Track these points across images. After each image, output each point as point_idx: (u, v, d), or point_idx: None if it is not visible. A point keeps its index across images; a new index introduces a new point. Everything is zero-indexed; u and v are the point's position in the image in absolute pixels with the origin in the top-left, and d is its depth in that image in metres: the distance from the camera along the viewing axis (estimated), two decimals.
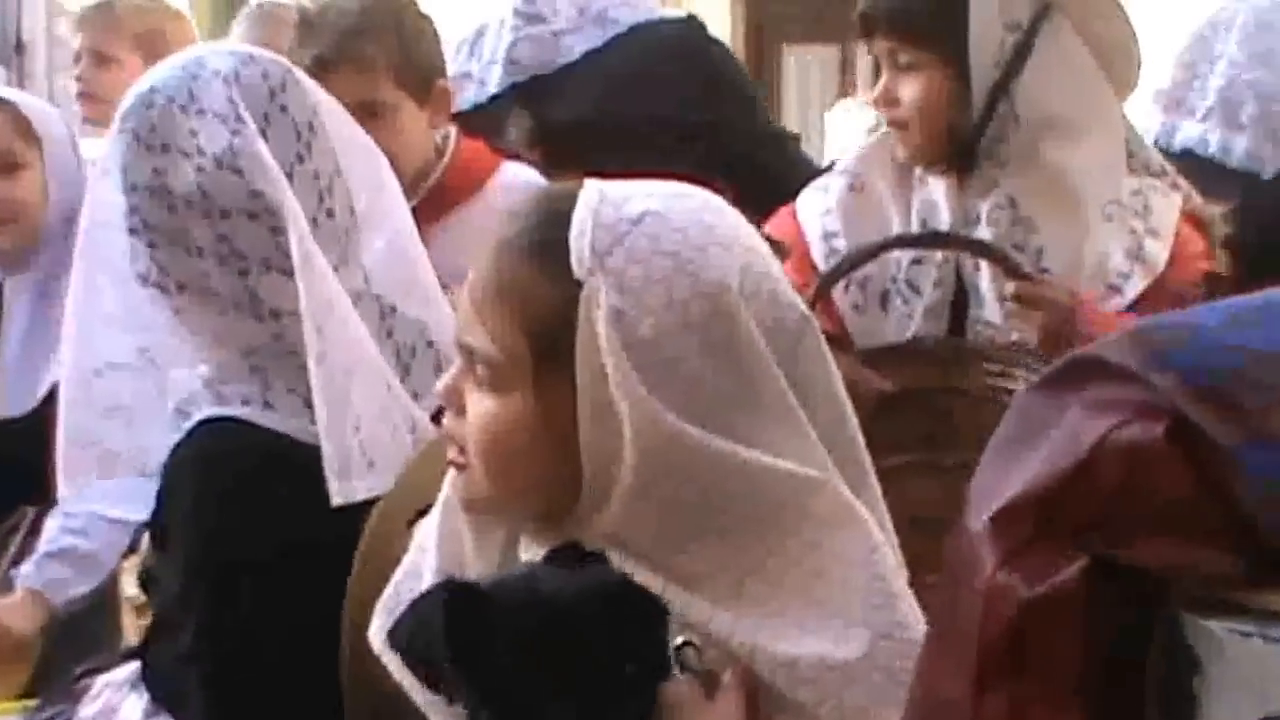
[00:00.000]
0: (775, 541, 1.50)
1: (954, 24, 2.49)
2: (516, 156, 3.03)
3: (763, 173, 3.08)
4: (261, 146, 2.09)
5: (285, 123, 2.13)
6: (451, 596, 1.50)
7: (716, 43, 3.38)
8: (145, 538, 2.53)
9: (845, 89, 9.41)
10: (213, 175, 2.07)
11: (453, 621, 1.47)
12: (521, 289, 1.54)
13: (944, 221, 2.56)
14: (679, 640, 1.47)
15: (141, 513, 2.28)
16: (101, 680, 2.26)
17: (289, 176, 2.10)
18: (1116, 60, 2.57)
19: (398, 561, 1.84)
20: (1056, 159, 2.51)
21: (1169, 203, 2.53)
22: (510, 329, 1.54)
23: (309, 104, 2.16)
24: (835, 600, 1.50)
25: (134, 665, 2.26)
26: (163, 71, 2.14)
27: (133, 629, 2.53)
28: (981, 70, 2.50)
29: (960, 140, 2.53)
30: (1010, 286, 2.42)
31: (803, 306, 1.58)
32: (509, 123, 3.10)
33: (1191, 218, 2.54)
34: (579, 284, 1.51)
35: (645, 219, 1.53)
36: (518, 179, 2.95)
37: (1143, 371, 1.19)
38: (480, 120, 3.09)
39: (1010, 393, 2.45)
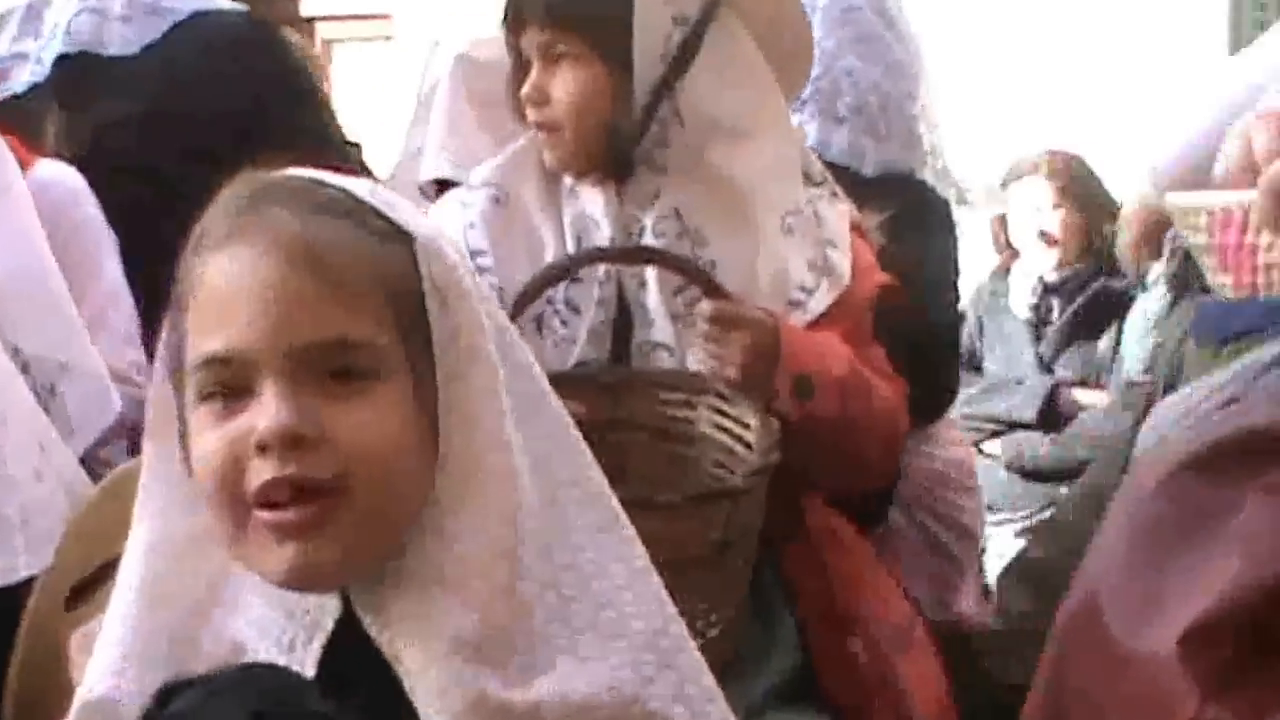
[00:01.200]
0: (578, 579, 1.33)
1: (617, 13, 2.24)
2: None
3: None
4: None
5: None
6: None
7: (280, 37, 3.04)
8: None
9: None
10: None
11: None
12: (367, 255, 1.28)
13: (603, 235, 2.30)
14: None
15: None
16: None
17: None
18: (787, 62, 2.38)
19: (63, 648, 1.55)
20: (724, 165, 2.29)
21: (838, 212, 2.36)
22: (375, 304, 1.27)
23: None
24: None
25: None
26: None
27: None
28: (645, 65, 2.26)
29: (618, 144, 2.29)
30: (707, 306, 2.18)
31: None
32: (48, 120, 2.71)
33: (855, 228, 2.38)
34: (410, 239, 1.30)
35: (379, 189, 1.36)
36: (52, 178, 2.60)
37: None
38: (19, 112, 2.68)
39: (692, 423, 2.24)
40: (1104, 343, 4.35)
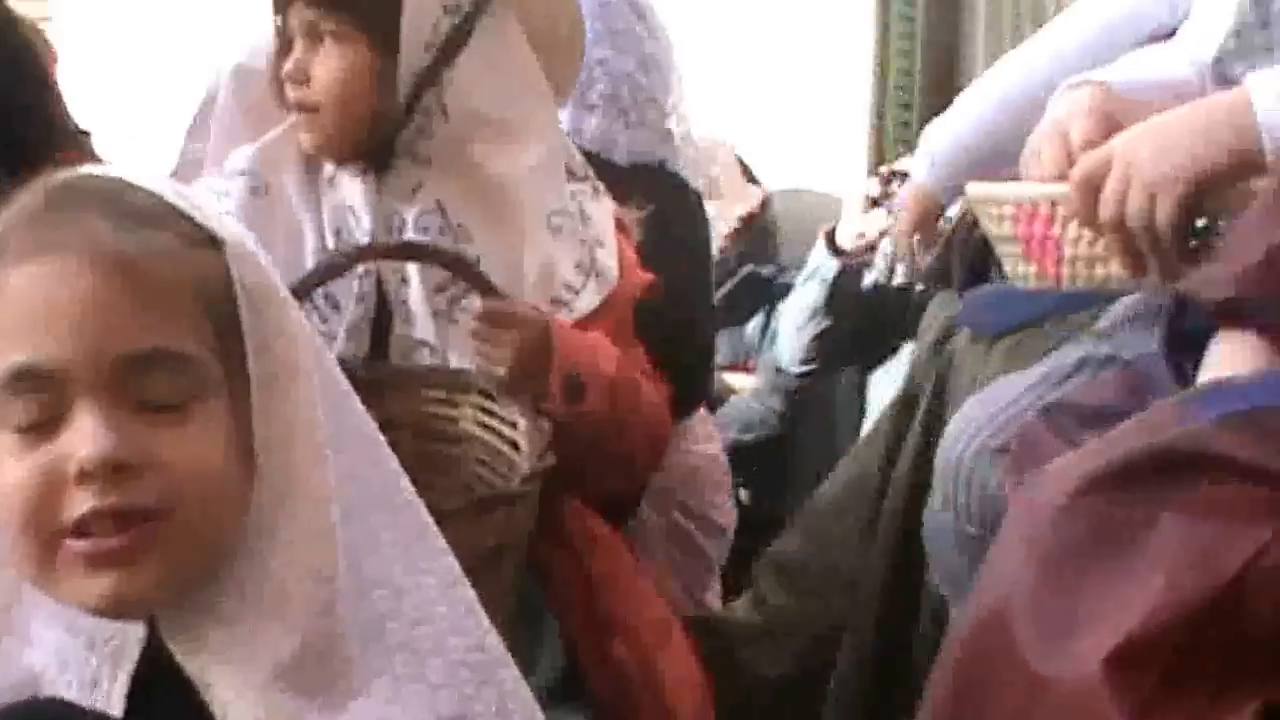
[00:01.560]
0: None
1: None
2: None
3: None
4: None
5: None
6: None
7: (15, 18, 2.86)
8: None
9: None
10: None
11: None
12: (182, 263, 1.19)
13: (364, 228, 2.23)
14: None
15: None
16: None
17: None
18: (559, 59, 2.33)
19: None
20: (488, 162, 2.23)
21: (602, 209, 2.32)
22: (194, 315, 1.19)
23: None
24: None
25: None
26: None
27: None
28: (412, 51, 2.19)
29: (379, 131, 2.22)
30: (478, 304, 2.12)
31: None
32: None
33: (617, 223, 2.34)
34: (219, 243, 1.21)
35: (183, 189, 1.28)
36: None
37: None
38: None
39: (455, 422, 2.18)
40: (752, 327, 4.39)
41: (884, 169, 3.91)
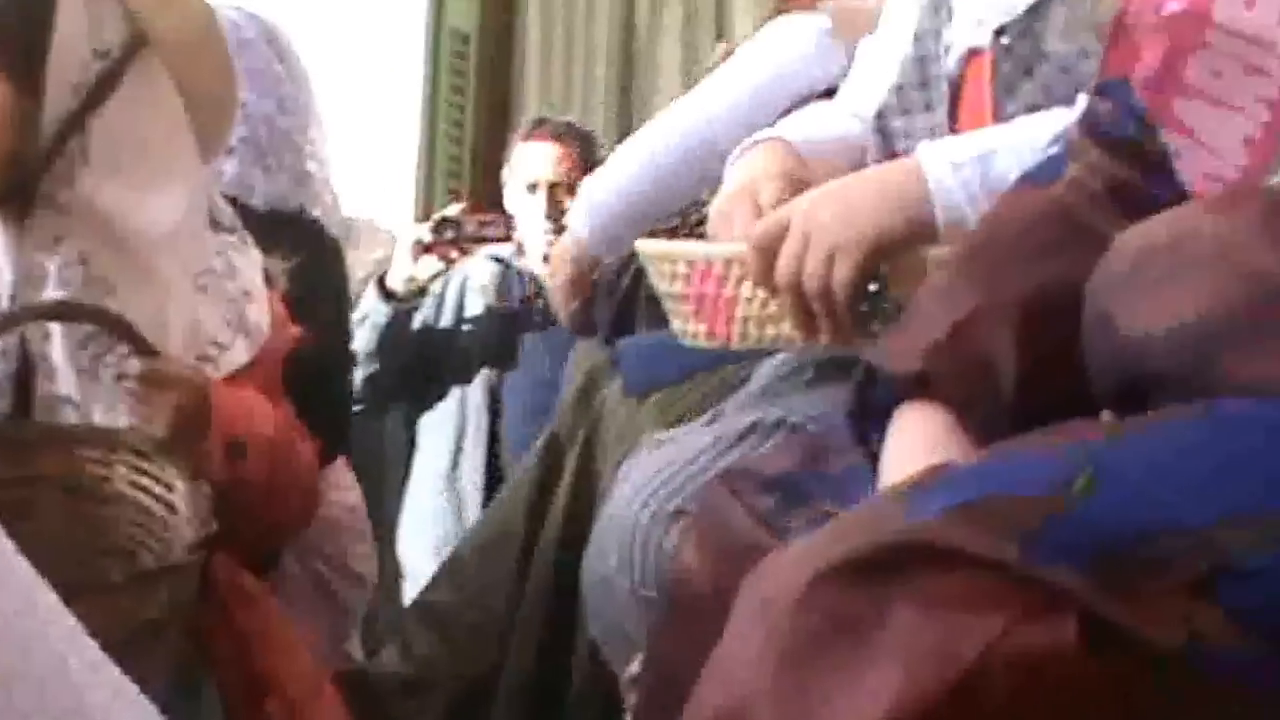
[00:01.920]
0: None
1: (33, 34, 2.10)
2: None
3: None
4: None
5: None
6: None
7: None
8: None
9: None
10: None
11: None
12: None
13: (4, 280, 2.14)
14: None
15: None
16: None
17: None
18: (208, 114, 2.26)
19: None
20: (130, 216, 2.16)
21: (250, 260, 2.28)
22: None
23: None
24: None
25: None
26: None
27: None
28: (57, 93, 2.12)
29: (19, 176, 2.13)
30: (135, 364, 2.06)
31: None
32: None
33: (265, 276, 2.30)
34: None
35: None
36: None
37: (1020, 562, 1.02)
38: None
39: (109, 481, 2.11)
40: None
41: (436, 216, 3.98)
